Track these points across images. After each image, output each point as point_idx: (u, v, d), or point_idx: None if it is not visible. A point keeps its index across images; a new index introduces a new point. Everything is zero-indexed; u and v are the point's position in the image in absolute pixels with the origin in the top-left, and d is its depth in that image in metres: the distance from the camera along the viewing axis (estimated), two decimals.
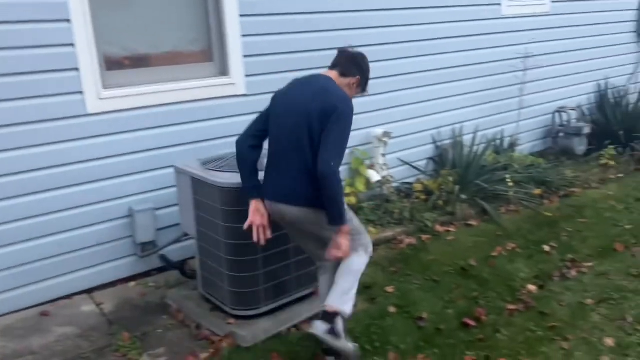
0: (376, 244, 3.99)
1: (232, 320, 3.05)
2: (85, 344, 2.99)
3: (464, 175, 4.81)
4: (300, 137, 2.55)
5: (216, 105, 3.81)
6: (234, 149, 3.32)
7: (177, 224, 3.58)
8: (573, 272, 3.69)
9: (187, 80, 3.70)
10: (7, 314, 3.22)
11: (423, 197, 4.73)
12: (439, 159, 5.16)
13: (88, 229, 3.46)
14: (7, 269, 3.21)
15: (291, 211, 2.62)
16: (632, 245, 4.05)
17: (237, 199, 2.88)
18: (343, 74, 2.74)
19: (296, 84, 2.77)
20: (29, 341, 3.00)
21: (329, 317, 2.52)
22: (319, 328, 2.50)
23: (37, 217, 3.26)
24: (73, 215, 3.39)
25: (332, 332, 2.49)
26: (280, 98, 2.75)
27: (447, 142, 5.18)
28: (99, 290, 3.54)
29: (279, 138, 2.67)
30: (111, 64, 3.45)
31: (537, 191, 5.01)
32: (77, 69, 3.22)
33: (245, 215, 2.85)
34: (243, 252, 2.96)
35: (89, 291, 3.51)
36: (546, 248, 4.06)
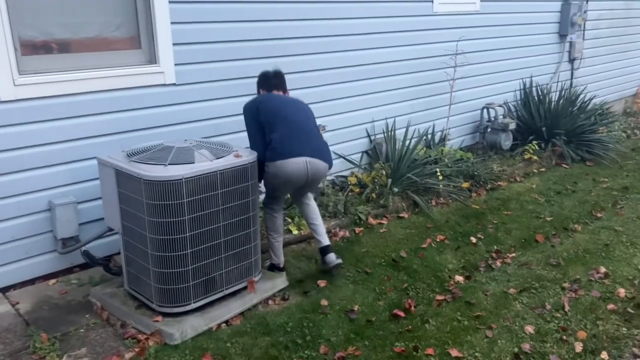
0: (310, 237, 4.01)
1: (159, 318, 2.94)
2: None
3: (396, 168, 4.89)
4: (312, 120, 3.47)
5: (143, 95, 3.66)
6: (160, 140, 3.22)
7: (100, 219, 3.42)
8: (498, 263, 3.83)
9: (112, 67, 3.53)
10: None
11: (357, 190, 4.78)
12: (373, 153, 5.22)
13: (2, 224, 3.24)
14: None
15: (323, 166, 3.39)
16: (552, 236, 4.27)
17: (163, 193, 2.78)
18: (286, 92, 3.60)
19: (267, 97, 3.45)
20: None
21: (330, 248, 3.55)
22: (334, 258, 3.53)
23: None
24: None
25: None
26: (267, 103, 3.38)
27: (381, 136, 5.25)
28: (15, 289, 3.33)
29: (295, 121, 3.33)
30: (28, 48, 3.23)
31: (466, 184, 5.17)
32: None
33: (170, 210, 2.77)
34: (170, 247, 2.86)
35: (3, 290, 3.29)
36: (473, 239, 4.20)
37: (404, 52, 5.29)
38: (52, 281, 3.45)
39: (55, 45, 3.39)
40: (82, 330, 2.97)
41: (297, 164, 3.27)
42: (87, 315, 3.11)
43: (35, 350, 2.76)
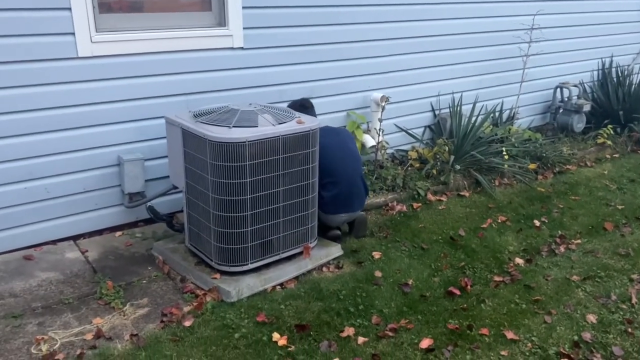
0: (367, 209, 3.99)
1: (217, 275, 3.03)
2: (68, 290, 2.97)
3: (460, 145, 4.75)
4: (359, 167, 3.66)
5: (211, 57, 3.70)
6: (226, 103, 3.26)
7: (166, 176, 3.52)
8: (561, 248, 3.68)
9: (182, 29, 3.57)
10: None
11: (417, 165, 4.69)
12: (436, 128, 5.09)
13: (75, 175, 3.40)
14: None
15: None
16: (623, 225, 4.05)
17: (226, 154, 2.82)
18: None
19: (328, 144, 3.42)
20: (11, 284, 2.98)
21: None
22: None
23: (22, 160, 3.18)
24: (60, 160, 3.31)
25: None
26: (328, 150, 3.40)
27: (445, 111, 5.10)
28: (85, 238, 3.51)
29: (347, 181, 3.52)
30: (106, 6, 3.32)
31: (532, 166, 4.97)
32: (69, 9, 3.09)
33: (233, 171, 2.81)
34: (231, 208, 2.92)
35: (74, 238, 3.47)
36: (536, 223, 4.04)
37: (476, 25, 5.08)
38: (118, 233, 3.60)
39: (130, 4, 3.47)
40: (144, 282, 3.10)
41: (340, 217, 3.56)
42: (149, 268, 3.24)
43: (101, 297, 2.91)
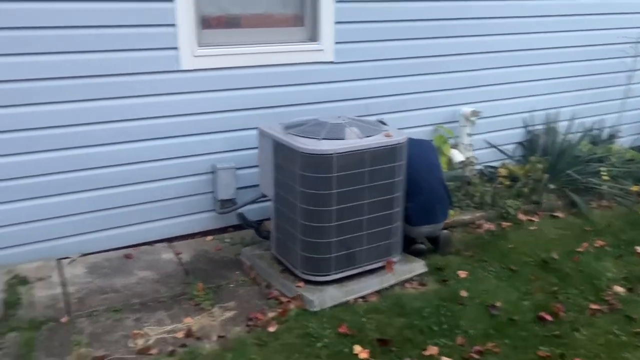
0: (453, 227, 3.90)
1: (301, 284, 3.08)
2: (162, 288, 3.15)
3: (555, 163, 4.53)
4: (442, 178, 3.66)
5: (302, 71, 3.80)
6: (315, 116, 3.33)
7: (256, 185, 3.64)
8: None
9: (276, 43, 3.71)
10: (96, 252, 3.44)
11: (507, 182, 4.52)
12: (529, 145, 4.89)
13: (172, 181, 3.60)
14: (98, 210, 3.41)
15: None
16: None
17: (315, 165, 2.88)
18: None
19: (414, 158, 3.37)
20: (113, 280, 3.20)
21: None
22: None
23: (126, 165, 3.42)
24: (159, 166, 3.53)
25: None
26: (415, 160, 3.37)
27: (540, 127, 4.89)
28: (178, 241, 3.70)
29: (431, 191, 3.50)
30: (207, 22, 3.52)
31: (635, 188, 4.63)
32: (174, 25, 3.31)
33: (320, 182, 2.86)
34: (318, 218, 2.97)
35: (169, 240, 3.67)
36: (639, 249, 3.76)
37: (573, 38, 4.85)
38: (209, 237, 3.77)
39: (229, 20, 3.65)
40: (232, 285, 3.22)
41: (424, 229, 3.51)
42: (237, 272, 3.36)
43: (192, 297, 3.06)
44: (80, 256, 3.38)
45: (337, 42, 3.85)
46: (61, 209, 3.29)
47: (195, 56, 3.43)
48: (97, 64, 3.18)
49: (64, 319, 2.80)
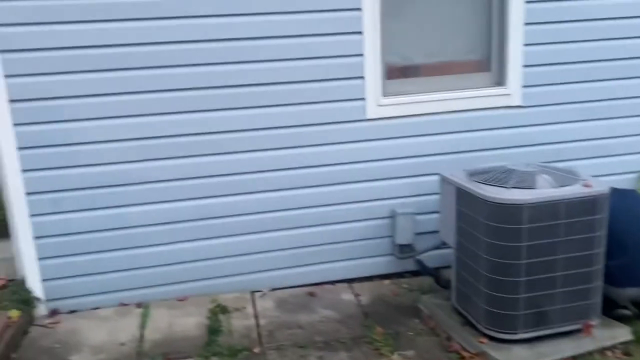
0: None
1: (484, 340, 2.94)
2: (343, 329, 3.25)
3: None
4: None
5: (488, 116, 3.72)
6: (501, 162, 3.22)
7: (435, 231, 3.61)
8: None
9: (460, 89, 3.70)
10: (283, 288, 3.69)
11: None
12: None
13: (354, 224, 3.73)
14: (287, 249, 3.67)
15: None
16: None
17: (503, 215, 2.77)
18: None
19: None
20: (298, 316, 3.39)
21: None
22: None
23: (314, 208, 3.64)
24: (342, 210, 3.69)
25: None
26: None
27: None
28: (357, 282, 3.80)
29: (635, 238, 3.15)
30: (391, 72, 3.65)
31: None
32: (362, 77, 3.50)
33: (508, 233, 2.73)
34: (504, 271, 2.83)
35: (349, 281, 3.79)
36: None
37: None
38: (387, 281, 3.81)
39: (412, 69, 3.75)
40: (410, 333, 3.20)
41: (629, 291, 3.14)
42: (415, 320, 3.33)
43: (372, 341, 3.10)
44: (270, 290, 3.66)
45: (524, 86, 3.71)
46: (257, 245, 3.61)
47: (380, 105, 3.57)
48: (292, 116, 3.48)
49: (256, 350, 3.04)
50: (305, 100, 3.47)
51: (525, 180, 2.89)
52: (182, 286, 3.55)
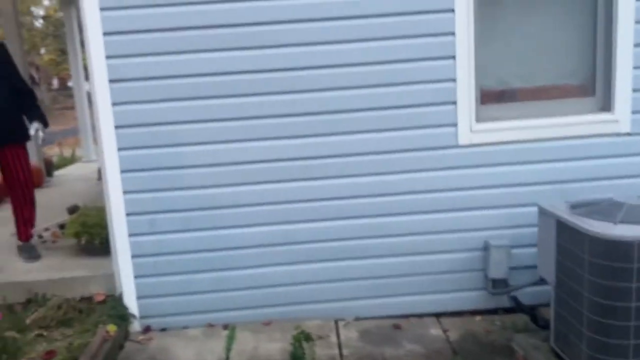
0: None
1: None
2: None
3: None
4: None
5: (591, 144, 3.47)
6: (607, 194, 2.97)
7: (532, 266, 3.38)
8: None
9: (559, 115, 3.48)
10: (367, 318, 3.60)
11: None
12: None
13: (443, 255, 3.59)
14: (371, 277, 3.58)
15: None
16: None
17: (609, 253, 2.53)
18: None
19: None
20: (382, 348, 3.29)
21: None
22: None
23: (399, 237, 3.54)
24: (431, 240, 3.56)
25: None
26: None
27: None
28: (446, 317, 3.62)
29: None
30: (485, 97, 3.52)
31: None
32: (454, 103, 3.39)
33: (616, 273, 2.49)
34: (611, 314, 2.57)
35: (436, 315, 3.63)
36: None
37: None
38: (478, 317, 3.60)
39: (507, 94, 3.58)
40: None
41: None
42: None
43: None
44: (354, 320, 3.59)
45: (634, 112, 3.42)
46: (343, 272, 3.57)
47: (473, 131, 3.43)
48: (382, 142, 3.43)
49: None
50: (396, 126, 3.42)
51: (636, 215, 2.63)
52: (267, 310, 3.57)
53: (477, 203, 3.52)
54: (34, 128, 4.00)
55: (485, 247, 3.54)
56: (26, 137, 4.10)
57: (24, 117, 4.09)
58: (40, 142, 4.30)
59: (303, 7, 3.28)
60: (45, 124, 4.10)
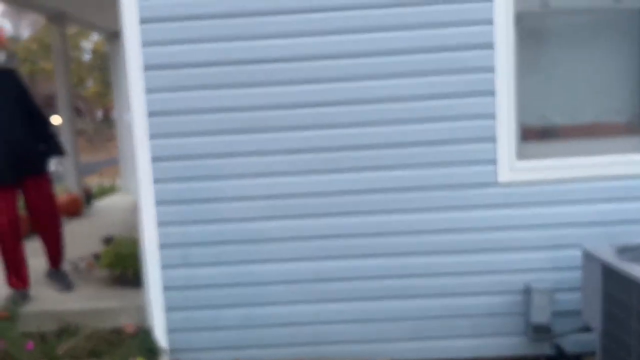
0: None
1: None
2: None
3: None
4: None
5: (639, 185, 3.30)
6: None
7: (576, 312, 3.20)
8: None
9: (605, 154, 3.34)
10: None
11: None
12: None
13: (481, 298, 3.43)
14: (407, 319, 3.44)
15: None
16: None
17: None
18: None
19: None
20: None
21: None
22: None
23: (434, 277, 3.41)
24: (469, 281, 3.41)
25: None
26: None
27: None
28: None
29: None
30: (526, 134, 3.41)
31: None
32: (494, 139, 3.30)
33: None
34: None
35: None
36: None
37: None
38: None
39: (549, 131, 3.48)
40: None
41: None
42: None
43: None
44: None
45: None
46: (375, 313, 3.44)
47: (514, 169, 3.32)
48: (418, 178, 3.35)
49: None
50: (434, 163, 3.34)
51: None
52: (296, 349, 3.47)
53: (517, 244, 3.38)
54: (53, 164, 4.00)
55: (527, 291, 3.38)
56: (46, 166, 4.04)
57: (41, 145, 4.03)
58: (60, 174, 4.24)
59: (340, 43, 3.27)
60: (61, 153, 4.11)
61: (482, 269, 3.41)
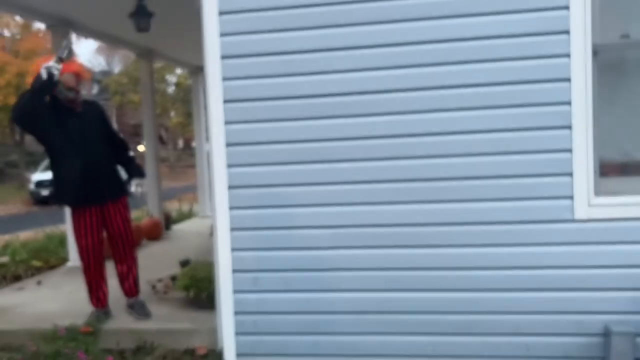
0: None
1: None
2: None
3: None
4: None
5: None
6: None
7: None
8: None
9: None
10: None
11: None
12: None
13: (555, 338, 3.29)
14: (475, 357, 3.36)
15: None
16: None
17: None
18: None
19: None
20: None
21: None
22: None
23: (506, 314, 3.32)
24: (542, 320, 3.29)
25: None
26: None
27: None
28: None
29: None
30: (604, 169, 3.28)
31: None
32: (570, 174, 3.20)
33: None
34: None
35: None
36: None
37: None
38: None
39: (630, 166, 3.33)
40: None
41: None
42: None
43: None
44: None
45: None
46: (441, 348, 3.38)
47: (591, 205, 3.20)
48: (490, 212, 3.30)
49: None
50: (509, 196, 3.27)
51: None
52: None
53: (596, 283, 3.23)
54: (134, 184, 4.18)
55: (606, 333, 3.20)
56: (125, 191, 4.24)
57: (120, 169, 4.22)
58: (139, 196, 4.41)
59: (415, 76, 3.31)
60: (141, 175, 4.32)
61: (558, 307, 3.27)
